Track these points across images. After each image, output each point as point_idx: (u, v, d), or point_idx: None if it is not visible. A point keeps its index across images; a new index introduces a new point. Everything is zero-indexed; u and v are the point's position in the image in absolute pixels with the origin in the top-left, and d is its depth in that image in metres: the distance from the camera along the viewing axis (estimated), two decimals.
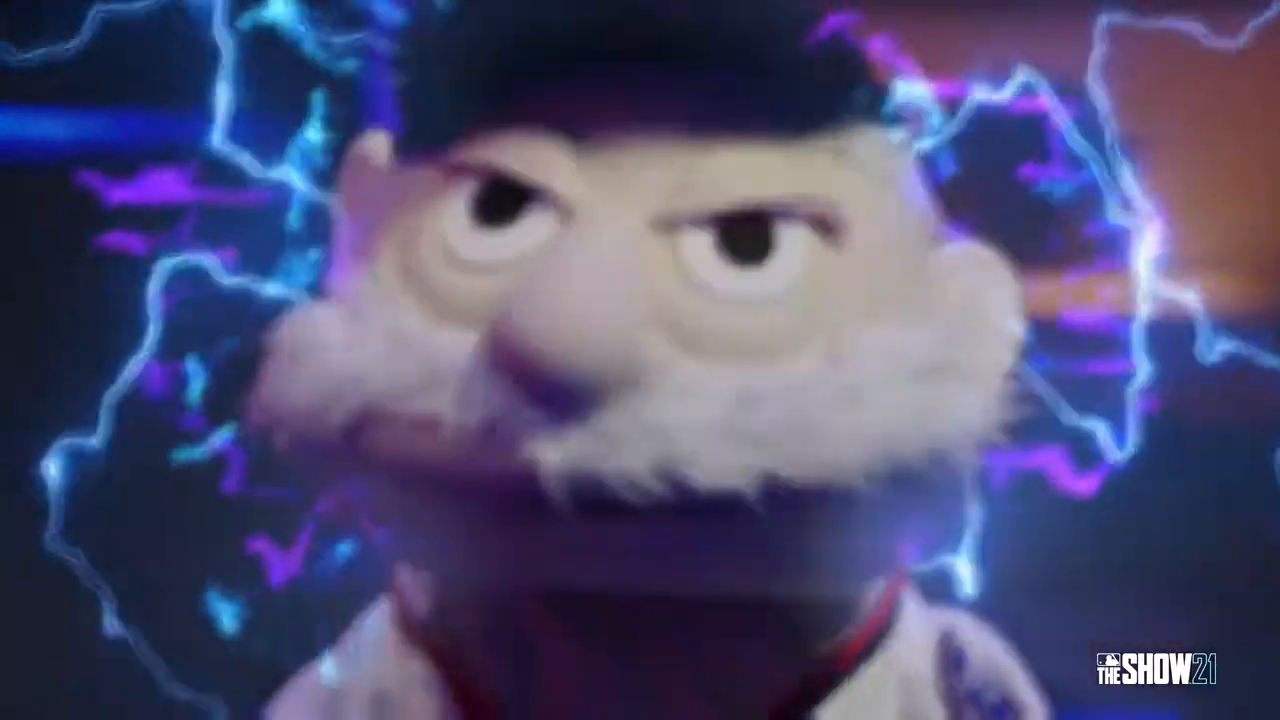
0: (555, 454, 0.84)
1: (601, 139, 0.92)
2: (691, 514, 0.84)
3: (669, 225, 0.90)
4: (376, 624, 1.03)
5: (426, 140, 0.97)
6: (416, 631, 1.00)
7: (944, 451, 0.89)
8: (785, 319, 0.90)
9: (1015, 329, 0.98)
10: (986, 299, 0.97)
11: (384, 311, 0.92)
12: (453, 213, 0.94)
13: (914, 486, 0.89)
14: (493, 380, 0.86)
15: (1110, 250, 1.46)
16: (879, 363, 0.89)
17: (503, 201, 0.93)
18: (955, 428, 0.90)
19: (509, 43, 0.95)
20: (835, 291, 0.91)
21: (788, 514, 0.85)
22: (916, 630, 1.02)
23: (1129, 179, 1.47)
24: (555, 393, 0.84)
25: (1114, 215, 1.46)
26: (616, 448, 0.85)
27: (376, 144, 1.03)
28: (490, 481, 0.85)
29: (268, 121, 1.30)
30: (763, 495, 0.84)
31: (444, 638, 0.99)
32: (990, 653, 1.05)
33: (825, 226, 0.92)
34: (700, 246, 0.91)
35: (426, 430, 0.87)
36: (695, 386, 0.86)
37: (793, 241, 0.92)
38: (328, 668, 1.04)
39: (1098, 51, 1.48)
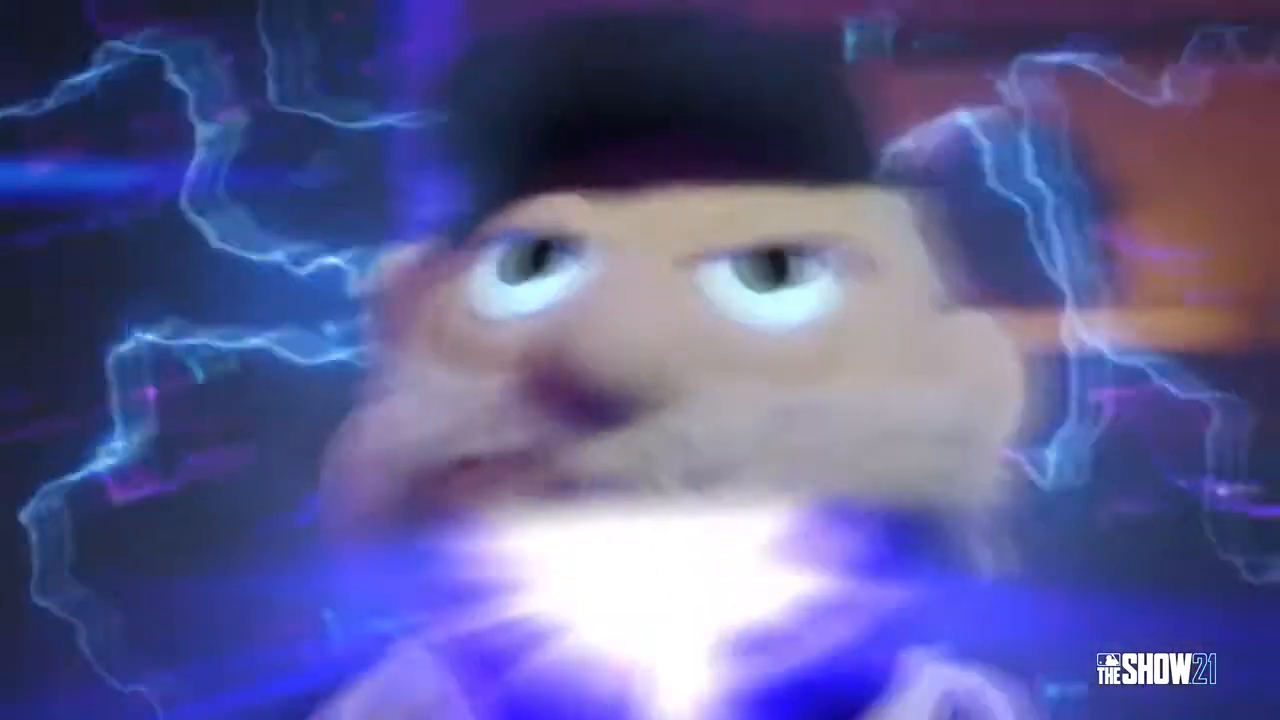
0: (592, 467, 0.86)
1: (620, 195, 0.94)
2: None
3: (694, 262, 0.92)
4: (412, 644, 1.03)
5: (457, 228, 0.99)
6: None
7: (956, 517, 0.91)
8: (811, 347, 0.92)
9: (1020, 404, 0.99)
10: (996, 372, 0.98)
11: (414, 378, 0.93)
12: (479, 276, 0.95)
13: (920, 541, 0.91)
14: (526, 410, 0.87)
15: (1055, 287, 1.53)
16: (910, 413, 0.91)
17: (529, 259, 0.94)
18: (969, 496, 0.92)
19: (520, 123, 0.95)
20: (857, 328, 0.93)
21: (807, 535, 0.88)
22: (919, 683, 1.01)
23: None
24: (591, 408, 0.85)
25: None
26: (649, 461, 0.86)
27: (406, 254, 1.04)
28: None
29: None
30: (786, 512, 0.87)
31: None
32: (994, 714, 1.04)
33: (845, 265, 0.94)
34: (724, 279, 0.92)
35: (470, 470, 0.88)
36: (727, 403, 0.88)
37: (814, 274, 0.93)
38: (368, 685, 1.05)
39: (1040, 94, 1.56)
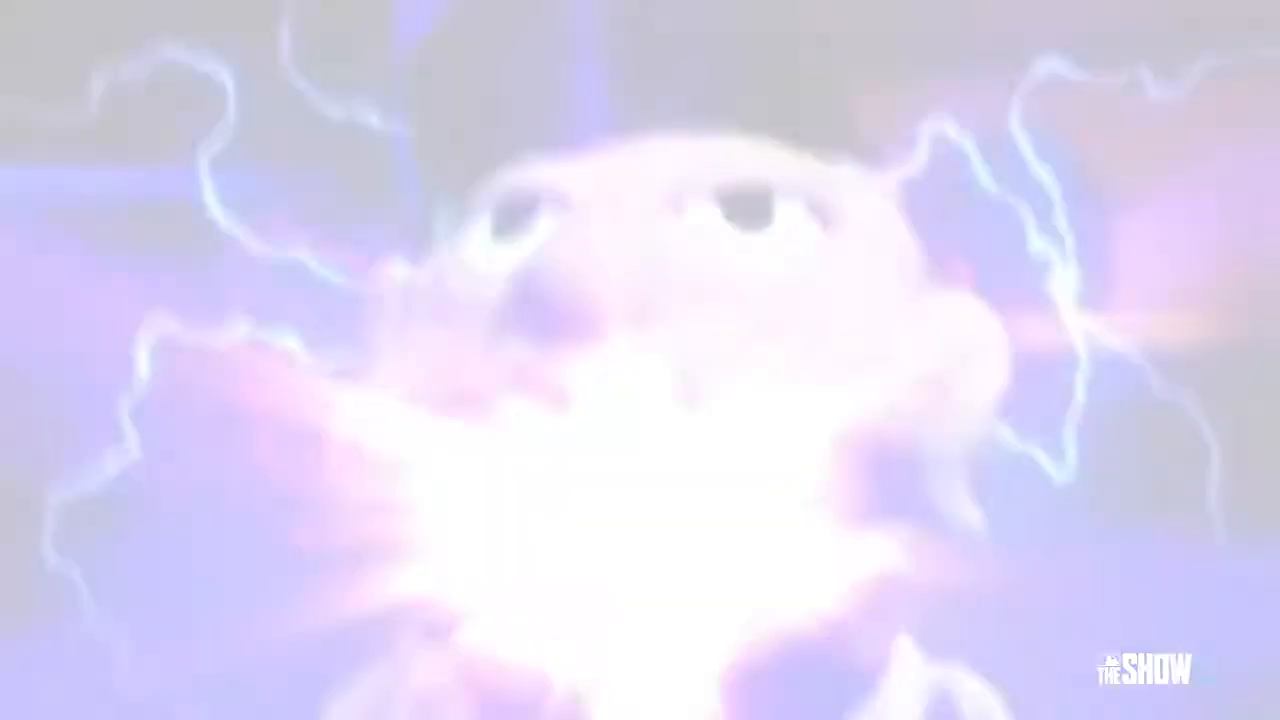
0: (584, 376, 0.92)
1: (601, 148, 1.01)
2: None
3: (676, 204, 0.99)
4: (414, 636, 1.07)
5: (446, 206, 1.06)
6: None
7: (938, 460, 0.98)
8: (791, 278, 0.99)
9: (1003, 378, 1.04)
10: (973, 333, 1.05)
11: (408, 344, 1.01)
12: (472, 240, 1.02)
13: (904, 484, 0.97)
14: (516, 332, 0.95)
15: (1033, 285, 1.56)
16: (887, 345, 0.98)
17: (519, 219, 1.01)
18: (949, 444, 0.99)
19: (492, 94, 1.05)
20: (836, 272, 1.01)
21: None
22: (909, 684, 1.06)
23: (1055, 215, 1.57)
24: (574, 321, 0.93)
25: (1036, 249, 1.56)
26: (638, 370, 0.93)
27: (398, 270, 1.11)
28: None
29: None
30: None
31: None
32: (985, 716, 1.09)
33: (822, 216, 1.01)
34: (706, 216, 1.00)
35: (467, 401, 0.95)
36: (709, 317, 0.95)
37: (792, 217, 1.01)
38: (376, 672, 1.08)
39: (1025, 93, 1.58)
